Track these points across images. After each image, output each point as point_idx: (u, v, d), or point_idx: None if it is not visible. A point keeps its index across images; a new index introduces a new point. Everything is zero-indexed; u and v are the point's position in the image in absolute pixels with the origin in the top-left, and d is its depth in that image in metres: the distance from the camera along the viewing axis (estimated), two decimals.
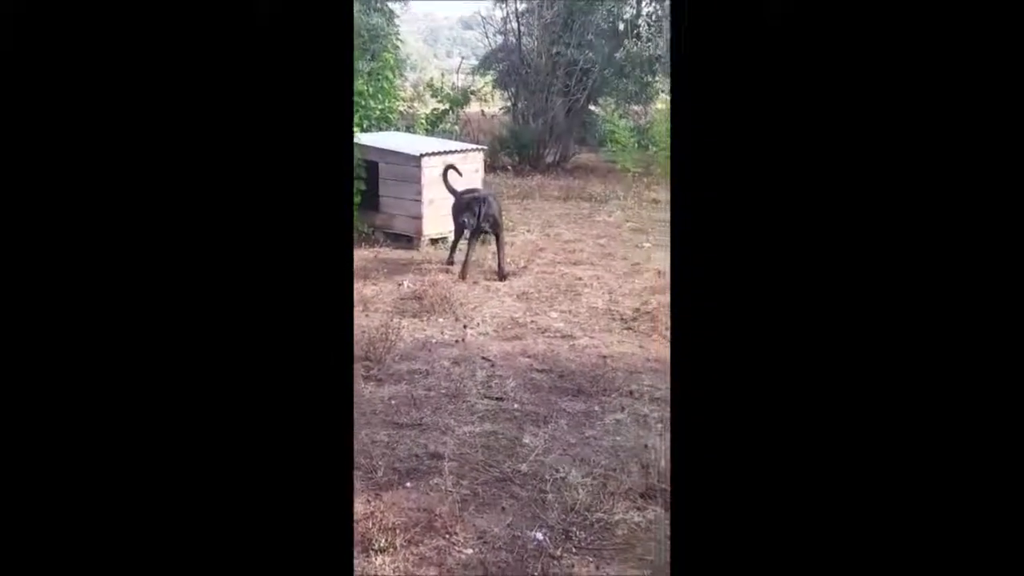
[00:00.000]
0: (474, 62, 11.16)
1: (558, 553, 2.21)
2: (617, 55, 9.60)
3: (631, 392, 3.29)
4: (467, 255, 5.03)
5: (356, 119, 6.04)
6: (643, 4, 9.81)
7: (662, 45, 9.78)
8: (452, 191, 5.26)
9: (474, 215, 4.95)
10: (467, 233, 5.06)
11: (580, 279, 4.95)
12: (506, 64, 9.92)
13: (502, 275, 4.93)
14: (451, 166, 5.39)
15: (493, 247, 5.18)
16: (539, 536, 2.29)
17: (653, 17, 9.57)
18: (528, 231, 6.24)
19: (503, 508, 2.44)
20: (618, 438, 2.90)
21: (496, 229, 5.08)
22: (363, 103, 6.99)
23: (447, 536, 2.28)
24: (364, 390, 3.28)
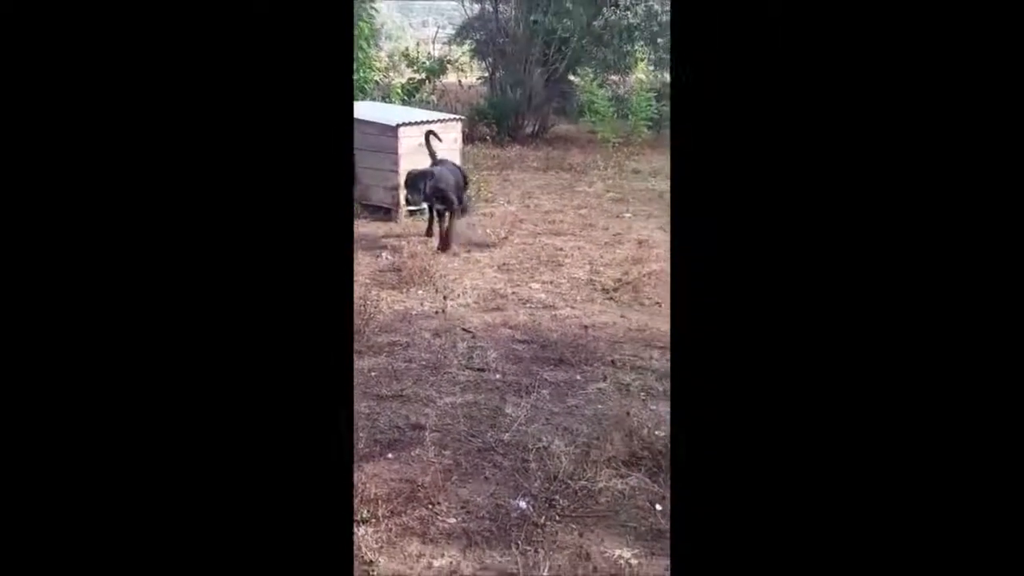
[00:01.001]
0: (451, 31, 11.01)
1: (541, 521, 2.20)
2: (595, 23, 9.50)
3: (613, 361, 3.29)
4: (443, 226, 4.94)
5: None
6: None
7: (640, 14, 9.69)
8: (432, 156, 5.19)
9: (419, 192, 4.83)
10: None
11: (561, 250, 4.93)
12: (483, 33, 9.81)
13: (444, 246, 4.80)
14: (432, 131, 5.32)
15: (472, 218, 5.12)
16: (522, 504, 2.28)
17: None
18: (508, 202, 6.20)
19: (486, 477, 2.43)
20: (600, 407, 2.89)
21: (447, 206, 4.85)
22: None
23: (430, 506, 2.26)
24: None
